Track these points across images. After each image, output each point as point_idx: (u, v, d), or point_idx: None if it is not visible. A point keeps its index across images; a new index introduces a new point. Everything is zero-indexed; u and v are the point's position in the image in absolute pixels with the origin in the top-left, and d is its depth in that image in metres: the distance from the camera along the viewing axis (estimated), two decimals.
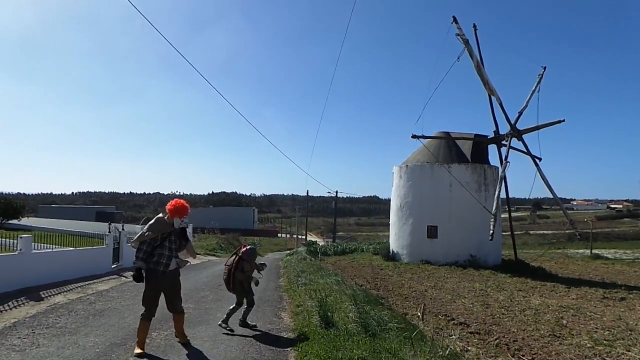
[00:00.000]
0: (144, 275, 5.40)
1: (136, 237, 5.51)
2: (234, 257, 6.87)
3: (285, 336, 6.61)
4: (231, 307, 6.91)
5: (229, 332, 6.54)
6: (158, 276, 5.42)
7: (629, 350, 7.13)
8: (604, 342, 7.65)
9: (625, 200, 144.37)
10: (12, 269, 9.80)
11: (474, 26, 21.70)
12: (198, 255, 25.73)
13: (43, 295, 9.32)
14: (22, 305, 8.29)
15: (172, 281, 5.66)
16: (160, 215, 5.68)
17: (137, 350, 5.32)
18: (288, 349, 5.89)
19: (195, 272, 15.75)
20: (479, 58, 20.20)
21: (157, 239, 5.45)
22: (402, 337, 6.16)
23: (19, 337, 5.99)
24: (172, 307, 5.69)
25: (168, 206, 5.60)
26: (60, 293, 9.81)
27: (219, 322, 6.81)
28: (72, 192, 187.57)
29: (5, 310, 7.72)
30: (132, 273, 5.57)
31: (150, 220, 5.68)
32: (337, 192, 51.85)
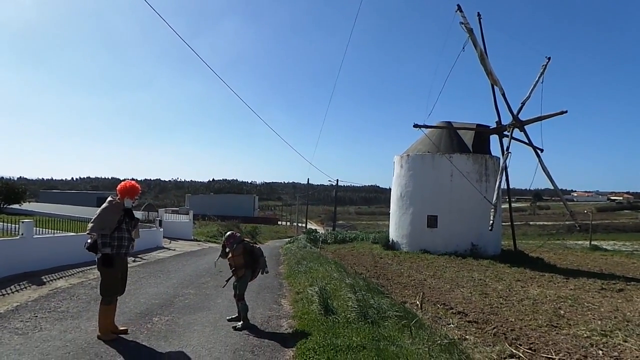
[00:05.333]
0: (112, 260, 5.32)
1: (94, 225, 5.28)
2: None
3: (285, 323, 6.67)
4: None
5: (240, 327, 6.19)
6: (121, 260, 5.46)
7: (625, 341, 7.19)
8: (601, 332, 7.70)
9: (626, 192, 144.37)
10: (14, 254, 9.86)
11: (479, 15, 21.47)
12: (199, 242, 25.84)
13: (45, 280, 9.39)
14: (24, 289, 8.35)
15: (127, 263, 5.75)
16: (110, 198, 5.57)
17: (110, 337, 5.32)
18: (288, 335, 5.95)
19: (196, 259, 15.84)
20: (482, 47, 20.02)
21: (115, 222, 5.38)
22: (401, 325, 6.22)
23: (21, 321, 6.05)
24: (123, 289, 5.66)
25: (119, 187, 5.54)
26: (61, 278, 9.88)
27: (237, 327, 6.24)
28: (73, 178, 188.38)
29: (8, 294, 7.78)
30: (98, 259, 5.37)
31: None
32: (337, 180, 51.89)
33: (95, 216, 5.37)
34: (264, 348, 5.36)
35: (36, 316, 6.35)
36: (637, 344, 7.06)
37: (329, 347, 5.11)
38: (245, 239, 6.66)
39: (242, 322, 6.23)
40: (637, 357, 6.43)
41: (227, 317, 6.63)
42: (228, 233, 6.73)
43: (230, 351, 5.17)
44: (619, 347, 6.92)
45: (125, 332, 5.62)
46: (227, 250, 6.47)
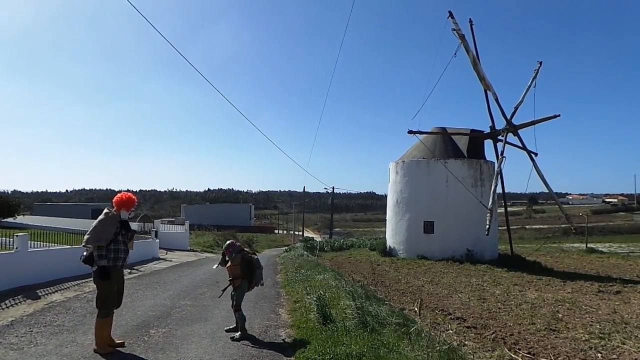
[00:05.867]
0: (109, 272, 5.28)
1: (90, 237, 5.26)
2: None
3: (283, 332, 6.63)
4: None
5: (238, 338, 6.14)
6: (117, 272, 5.44)
7: (624, 343, 7.20)
8: (600, 335, 7.71)
9: (621, 194, 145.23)
10: (9, 268, 9.77)
11: (470, 21, 21.72)
12: (195, 252, 25.73)
13: (40, 294, 9.30)
14: (19, 303, 8.27)
15: (123, 276, 5.75)
16: (107, 210, 5.56)
17: (107, 351, 5.27)
18: (286, 345, 5.91)
19: (193, 269, 15.76)
20: (475, 53, 20.22)
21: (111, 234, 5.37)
22: (400, 332, 6.20)
23: (16, 336, 5.98)
24: (119, 302, 5.62)
25: (115, 199, 5.55)
26: (57, 291, 9.79)
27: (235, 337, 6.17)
28: (68, 190, 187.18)
29: (3, 309, 7.70)
30: (94, 272, 5.32)
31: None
32: (333, 188, 51.93)
33: (92, 228, 5.34)
34: (262, 358, 5.32)
35: (32, 331, 6.28)
36: (635, 346, 7.07)
37: (328, 356, 5.08)
38: (245, 249, 6.65)
39: (239, 332, 6.20)
40: (635, 359, 6.44)
41: (225, 328, 6.59)
42: (228, 242, 6.73)
43: None
44: (617, 349, 6.92)
45: (122, 345, 5.57)
46: (227, 259, 6.46)
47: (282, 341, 6.12)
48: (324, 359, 5.01)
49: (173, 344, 5.81)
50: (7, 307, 7.86)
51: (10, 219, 32.81)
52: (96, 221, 5.40)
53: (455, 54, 19.60)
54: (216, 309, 8.18)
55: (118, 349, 5.43)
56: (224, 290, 6.71)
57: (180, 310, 8.04)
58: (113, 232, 5.33)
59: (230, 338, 6.10)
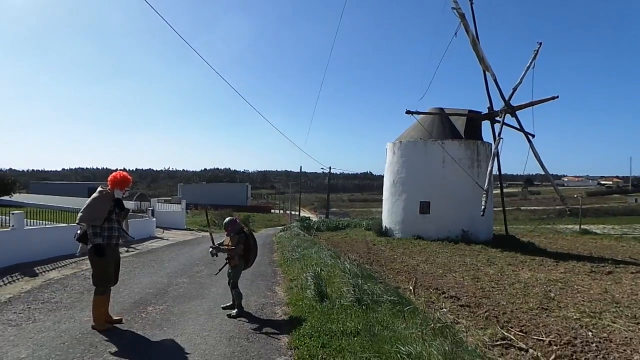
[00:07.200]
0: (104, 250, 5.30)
1: (83, 215, 5.26)
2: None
3: (279, 310, 6.71)
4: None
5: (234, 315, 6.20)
6: (112, 250, 5.45)
7: (614, 322, 7.33)
8: (591, 314, 7.84)
9: (616, 177, 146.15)
10: (5, 245, 9.79)
11: (470, 0, 21.34)
12: (192, 231, 25.80)
13: (37, 271, 9.34)
14: (16, 280, 8.31)
15: (119, 253, 5.78)
16: (101, 188, 5.55)
17: (104, 327, 5.31)
18: (282, 322, 5.99)
19: (189, 248, 15.83)
20: (474, 33, 19.94)
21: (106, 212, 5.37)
22: (394, 310, 6.28)
23: (14, 312, 6.03)
24: (116, 279, 5.65)
25: (110, 178, 5.53)
26: (54, 269, 9.84)
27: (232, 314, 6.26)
28: (64, 169, 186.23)
29: (0, 286, 7.74)
30: (83, 250, 5.43)
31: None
32: (330, 168, 51.86)
33: (85, 206, 5.32)
34: (258, 335, 5.39)
35: (29, 307, 6.33)
36: (625, 324, 7.20)
37: (324, 333, 5.15)
38: (244, 229, 6.63)
39: (236, 309, 6.26)
40: (625, 337, 6.56)
41: (222, 305, 6.65)
42: (228, 219, 6.68)
43: (225, 338, 5.20)
44: (608, 328, 7.05)
45: (119, 321, 5.62)
46: (226, 236, 6.47)
47: (278, 318, 6.19)
48: (320, 336, 5.08)
49: (170, 320, 5.87)
50: (5, 284, 7.90)
51: (6, 197, 32.76)
52: (90, 199, 5.38)
53: (455, 33, 19.33)
54: (213, 286, 8.25)
55: (116, 325, 5.49)
56: (220, 269, 6.74)
57: (177, 288, 8.10)
58: (107, 210, 5.32)
59: (227, 315, 6.17)
